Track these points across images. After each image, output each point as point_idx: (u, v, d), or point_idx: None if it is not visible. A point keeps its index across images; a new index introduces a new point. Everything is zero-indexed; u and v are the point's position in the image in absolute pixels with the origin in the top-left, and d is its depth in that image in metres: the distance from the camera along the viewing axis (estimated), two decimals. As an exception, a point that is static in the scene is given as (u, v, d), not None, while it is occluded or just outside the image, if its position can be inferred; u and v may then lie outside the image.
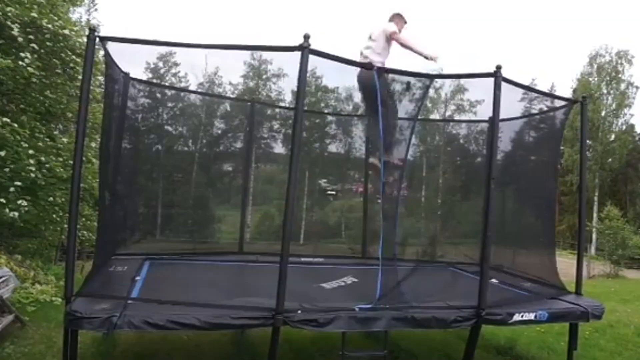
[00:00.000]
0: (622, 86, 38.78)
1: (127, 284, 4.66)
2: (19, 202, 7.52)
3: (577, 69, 63.36)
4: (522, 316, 4.57)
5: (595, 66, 39.85)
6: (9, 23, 7.94)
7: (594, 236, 31.77)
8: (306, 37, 3.89)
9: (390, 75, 5.44)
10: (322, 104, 32.86)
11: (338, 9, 66.87)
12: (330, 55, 4.16)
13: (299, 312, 3.93)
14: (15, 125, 7.76)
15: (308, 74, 4.07)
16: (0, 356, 4.99)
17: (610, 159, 38.49)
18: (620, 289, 13.64)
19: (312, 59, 3.96)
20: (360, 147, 8.39)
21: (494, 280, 5.14)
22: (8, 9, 7.99)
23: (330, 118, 15.22)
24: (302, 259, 6.88)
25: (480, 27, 68.91)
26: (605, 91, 39.09)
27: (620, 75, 38.77)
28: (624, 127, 39.73)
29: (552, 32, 69.58)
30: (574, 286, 5.55)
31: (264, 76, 36.04)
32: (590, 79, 39.80)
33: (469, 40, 65.24)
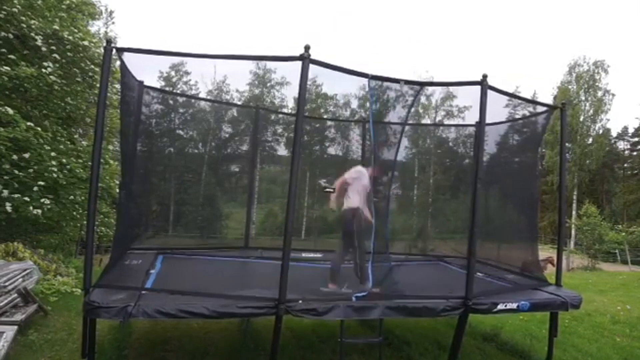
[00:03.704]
0: (599, 93, 38.77)
1: (142, 276, 4.67)
2: (42, 200, 7.53)
3: (557, 77, 63.66)
4: (505, 306, 4.56)
5: (574, 75, 39.85)
6: (32, 35, 7.97)
7: (573, 232, 31.76)
8: (307, 48, 3.88)
9: (385, 84, 5.43)
10: (322, 110, 32.93)
11: (338, 16, 66.93)
12: (329, 64, 4.15)
13: (300, 302, 3.92)
14: (39, 129, 7.78)
15: (308, 82, 4.06)
16: (25, 342, 4.99)
17: (588, 161, 38.49)
18: (597, 281, 13.64)
19: (313, 68, 3.95)
20: (357, 149, 8.39)
21: (479, 274, 5.13)
22: (32, 21, 8.01)
23: (329, 123, 15.22)
24: (303, 254, 6.89)
25: (470, 38, 69.01)
26: (583, 98, 39.08)
27: (597, 84, 38.78)
28: (601, 131, 39.76)
29: (535, 44, 69.70)
30: (554, 278, 5.56)
31: (268, 84, 36.10)
32: (570, 86, 39.80)
33: (460, 50, 65.31)
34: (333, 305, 4.02)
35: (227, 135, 9.79)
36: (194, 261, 6.23)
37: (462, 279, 4.50)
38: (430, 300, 4.42)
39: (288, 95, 34.89)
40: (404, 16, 70.74)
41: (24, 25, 7.94)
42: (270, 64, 33.39)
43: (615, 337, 6.57)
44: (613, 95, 38.58)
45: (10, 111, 7.27)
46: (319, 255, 6.85)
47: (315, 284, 4.94)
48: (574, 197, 37.42)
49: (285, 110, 30.98)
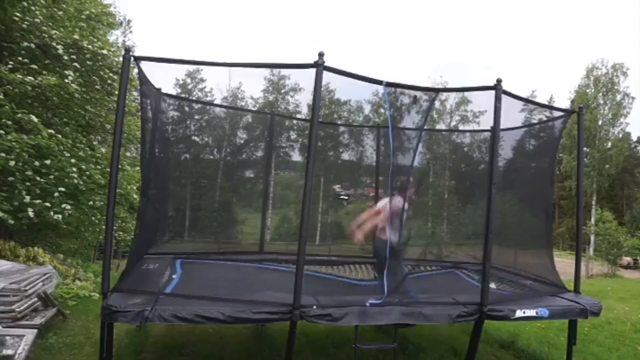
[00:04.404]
0: (618, 97, 38.17)
1: (158, 281, 4.71)
2: (63, 205, 7.65)
3: (575, 81, 62.82)
4: (523, 312, 4.49)
5: (592, 78, 39.30)
6: (54, 44, 8.16)
7: (592, 238, 31.11)
8: (320, 55, 3.88)
9: (399, 90, 5.41)
10: (335, 115, 33.01)
11: (350, 20, 67.10)
12: (342, 71, 4.14)
13: (315, 307, 3.91)
14: (59, 136, 7.93)
15: (322, 88, 4.06)
16: (45, 346, 5.07)
17: (607, 165, 37.81)
18: (618, 288, 13.29)
19: (326, 74, 3.95)
20: (371, 155, 8.37)
21: (492, 286, 4.98)
22: (53, 32, 8.20)
23: (342, 128, 15.22)
24: (318, 258, 6.88)
25: (487, 42, 68.53)
26: (601, 102, 38.48)
27: (616, 87, 38.16)
28: (621, 135, 39.08)
29: (553, 47, 68.94)
30: (573, 285, 5.46)
31: (282, 90, 36.37)
32: (588, 90, 39.25)
33: (476, 54, 64.89)
34: (348, 311, 4.00)
35: (242, 142, 9.87)
36: (209, 266, 6.26)
37: (477, 284, 4.45)
38: (446, 306, 4.37)
39: (302, 101, 35.14)
40: (418, 21, 70.61)
41: (46, 35, 8.13)
42: (284, 71, 33.67)
43: (636, 347, 6.40)
44: (633, 98, 37.99)
45: (35, 119, 7.44)
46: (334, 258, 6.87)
47: (330, 286, 4.93)
48: (593, 202, 36.75)
49: (299, 116, 31.11)
